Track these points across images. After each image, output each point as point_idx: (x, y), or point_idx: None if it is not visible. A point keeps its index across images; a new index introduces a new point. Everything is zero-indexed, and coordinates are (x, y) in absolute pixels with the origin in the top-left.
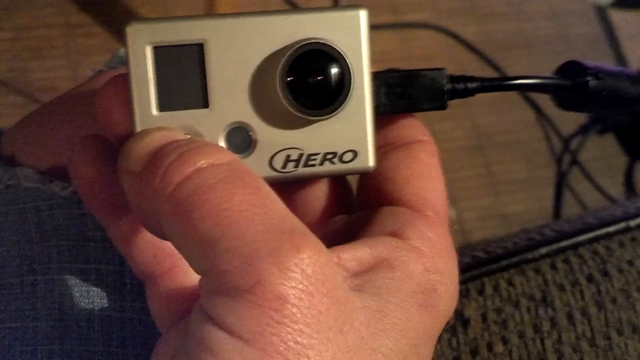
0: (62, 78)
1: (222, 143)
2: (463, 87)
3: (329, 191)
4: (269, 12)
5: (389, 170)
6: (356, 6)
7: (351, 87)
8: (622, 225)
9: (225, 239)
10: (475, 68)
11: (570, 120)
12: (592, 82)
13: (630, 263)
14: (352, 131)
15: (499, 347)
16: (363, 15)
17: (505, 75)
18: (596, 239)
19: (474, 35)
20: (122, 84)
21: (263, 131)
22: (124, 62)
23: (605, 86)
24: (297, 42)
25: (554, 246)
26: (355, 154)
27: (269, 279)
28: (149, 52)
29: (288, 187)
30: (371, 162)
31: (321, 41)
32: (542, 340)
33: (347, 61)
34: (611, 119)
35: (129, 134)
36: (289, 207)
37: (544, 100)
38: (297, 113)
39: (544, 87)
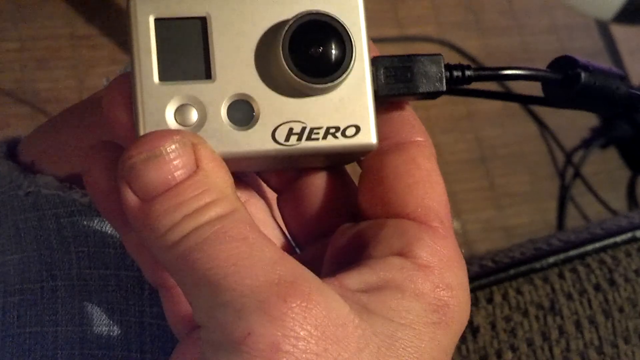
0: (68, 89)
1: (224, 115)
2: (460, 73)
3: (332, 192)
4: None
5: (389, 177)
6: None
7: (353, 56)
8: (629, 235)
9: (216, 294)
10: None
11: (573, 134)
12: (582, 75)
13: (637, 272)
14: (354, 106)
15: (508, 355)
16: None
17: (501, 69)
18: (603, 249)
19: (477, 49)
20: (125, 85)
21: (266, 103)
22: None
23: (596, 81)
24: (301, 13)
25: (562, 256)
26: (357, 129)
27: (259, 330)
28: (151, 24)
29: (291, 191)
30: (374, 138)
31: (323, 12)
32: (550, 348)
33: (348, 32)
34: (614, 133)
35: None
36: (292, 211)
37: (547, 114)
38: (299, 80)
39: (535, 77)
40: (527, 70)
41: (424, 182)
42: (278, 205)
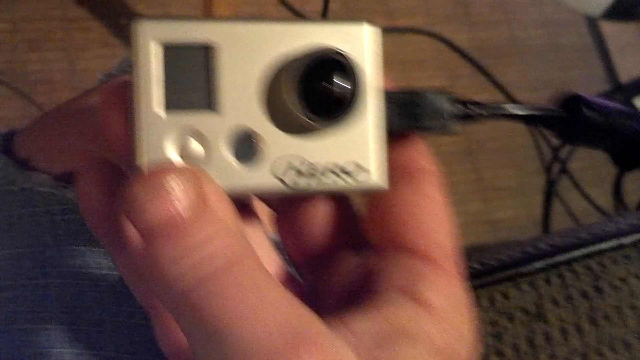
0: (59, 71)
1: (226, 148)
2: (469, 111)
3: (335, 216)
4: (280, 20)
5: (397, 208)
6: (359, 19)
7: (362, 95)
8: (616, 242)
9: (224, 343)
10: (466, 74)
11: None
12: (588, 113)
13: (623, 280)
14: (363, 145)
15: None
16: (366, 29)
17: (514, 106)
18: (590, 255)
19: (466, 41)
20: (122, 94)
21: (270, 139)
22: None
23: (605, 120)
24: (312, 50)
25: (549, 260)
26: (365, 170)
27: None
28: (155, 50)
29: (290, 212)
30: (382, 180)
31: (336, 49)
32: (535, 354)
33: (358, 70)
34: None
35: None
36: (292, 233)
37: None
38: (307, 120)
39: (546, 118)
40: (540, 111)
41: (433, 216)
42: (276, 225)
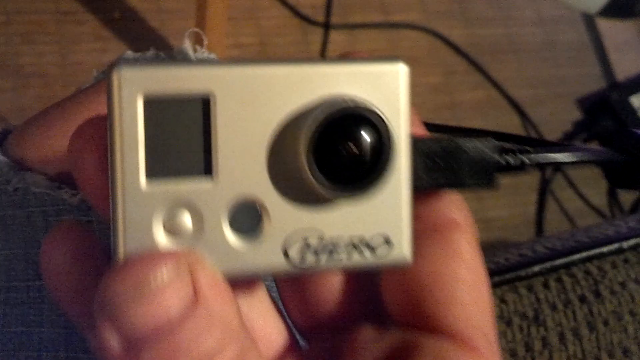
0: (52, 64)
1: (224, 222)
2: (515, 161)
3: (349, 285)
4: (289, 60)
5: (425, 275)
6: (393, 58)
7: (391, 159)
8: (616, 246)
9: None
10: (462, 71)
11: (555, 127)
12: None
13: (623, 285)
14: (386, 214)
15: None
16: (402, 70)
17: (561, 149)
18: (589, 259)
19: (462, 38)
20: (97, 132)
21: (278, 210)
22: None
23: None
24: (327, 101)
25: (547, 264)
26: (389, 242)
27: None
28: (140, 105)
29: (298, 281)
30: (408, 253)
31: (357, 102)
32: (533, 359)
33: (388, 127)
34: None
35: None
36: (297, 299)
37: (530, 106)
38: (323, 190)
39: (601, 162)
40: (593, 154)
41: (469, 287)
42: (279, 289)
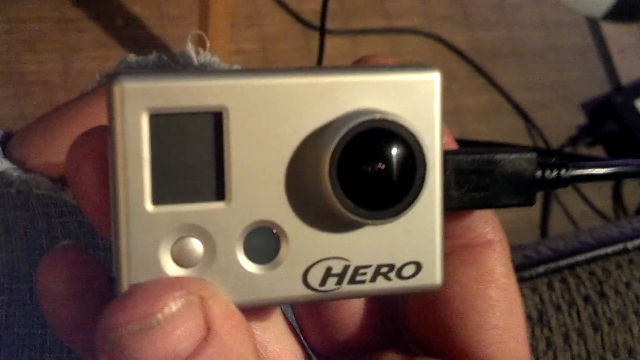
0: (55, 72)
1: (238, 248)
2: (555, 175)
3: (372, 310)
4: (309, 70)
5: (455, 299)
6: (426, 67)
7: (425, 180)
8: (620, 246)
9: None
10: (464, 75)
11: (560, 132)
12: None
13: (628, 285)
14: (416, 237)
15: None
16: (437, 80)
17: (603, 164)
18: (593, 260)
19: (465, 42)
20: (95, 144)
21: (297, 234)
22: (132, 68)
23: None
24: (352, 115)
25: (551, 265)
26: (418, 267)
27: None
28: (144, 122)
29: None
30: (438, 278)
31: (386, 116)
32: None
33: (421, 144)
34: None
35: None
36: (314, 322)
37: (534, 111)
38: (349, 215)
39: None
40: (632, 167)
41: (502, 308)
42: (295, 311)
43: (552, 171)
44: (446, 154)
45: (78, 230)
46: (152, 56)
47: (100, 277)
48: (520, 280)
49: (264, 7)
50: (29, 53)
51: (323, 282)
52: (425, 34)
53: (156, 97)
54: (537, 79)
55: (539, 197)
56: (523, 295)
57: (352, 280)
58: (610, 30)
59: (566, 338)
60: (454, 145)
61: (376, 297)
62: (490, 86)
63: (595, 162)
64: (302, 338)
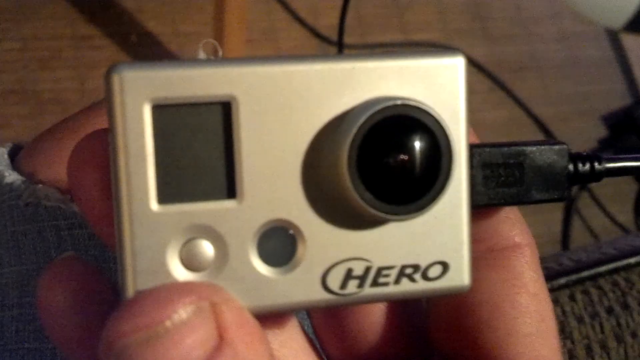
0: (70, 90)
1: (251, 250)
2: (588, 168)
3: (393, 319)
4: (324, 57)
5: (482, 306)
6: (451, 50)
7: (451, 172)
8: None
9: None
10: (484, 89)
11: (580, 145)
12: None
13: None
14: (442, 235)
15: None
16: (461, 64)
17: (637, 154)
18: (616, 270)
19: (484, 56)
20: (96, 146)
21: (314, 234)
22: None
23: None
24: (372, 102)
25: (573, 276)
26: (445, 267)
27: None
28: (147, 114)
29: (335, 315)
30: (466, 279)
31: (408, 103)
32: None
33: (447, 133)
34: (622, 144)
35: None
36: (334, 337)
37: (554, 124)
38: (370, 210)
39: None
40: None
41: (532, 314)
42: (313, 323)
43: (584, 164)
44: (471, 147)
45: (88, 243)
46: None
47: (104, 289)
48: None
49: (280, 22)
50: (44, 71)
51: (344, 285)
52: (444, 48)
53: (159, 87)
54: (557, 92)
55: (560, 212)
56: None
57: (374, 283)
58: (630, 41)
59: (589, 350)
60: (476, 141)
61: (401, 301)
62: (509, 100)
63: (629, 155)
64: (321, 352)
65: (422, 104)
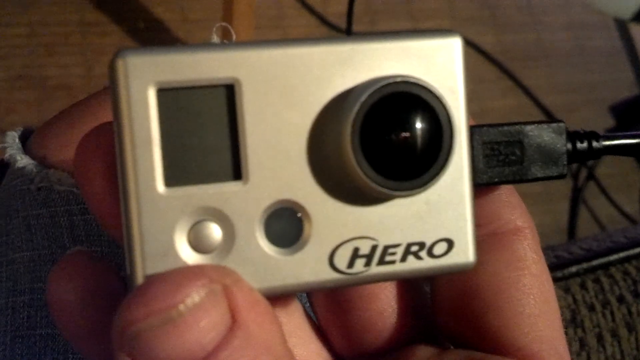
0: (77, 76)
1: (258, 231)
2: (586, 146)
3: (399, 304)
4: (326, 39)
5: (486, 289)
6: (447, 32)
7: (452, 147)
8: None
9: None
10: (492, 78)
11: None
12: None
13: None
14: (446, 212)
15: None
16: (458, 44)
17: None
18: (627, 259)
19: (492, 44)
20: (102, 140)
21: (321, 214)
22: None
23: None
24: (373, 82)
25: (584, 265)
26: (450, 244)
27: None
28: (152, 98)
29: (337, 298)
30: (471, 255)
31: (409, 80)
32: None
33: (447, 108)
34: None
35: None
36: (336, 320)
37: (562, 114)
38: (373, 186)
39: None
40: None
41: (535, 295)
42: (317, 314)
43: (582, 141)
44: (472, 127)
45: (100, 228)
46: None
47: (114, 282)
48: (553, 280)
49: (288, 9)
50: (51, 57)
51: (351, 265)
52: None
53: (163, 71)
54: (565, 81)
55: (567, 201)
56: (556, 296)
57: (381, 261)
58: (639, 31)
59: (600, 339)
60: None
61: (408, 279)
62: (517, 89)
63: (627, 133)
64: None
65: (422, 80)
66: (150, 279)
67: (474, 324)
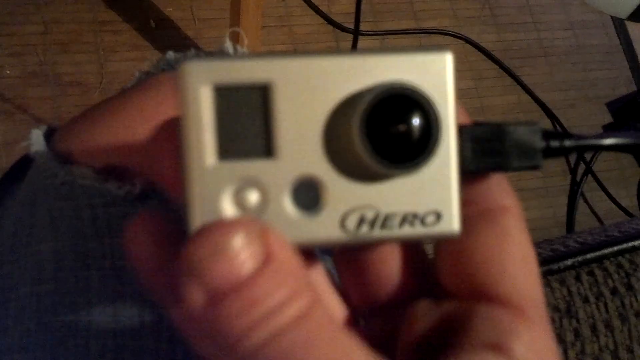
0: (90, 73)
1: (287, 198)
2: (558, 145)
3: (404, 263)
4: (341, 52)
5: (478, 253)
6: (440, 47)
7: (438, 138)
8: None
9: None
10: (492, 76)
11: (585, 131)
12: None
13: None
14: (435, 190)
15: None
16: (449, 59)
17: (604, 137)
18: (621, 253)
19: (493, 43)
20: (173, 131)
21: (335, 186)
22: (172, 65)
23: None
24: (379, 85)
25: (579, 258)
26: (438, 216)
27: None
28: (207, 93)
29: (354, 258)
30: (456, 225)
31: (406, 85)
32: (565, 350)
33: (434, 109)
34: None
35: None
36: (354, 277)
37: (560, 110)
38: (376, 166)
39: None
40: (632, 138)
41: (519, 261)
42: (337, 268)
43: (555, 140)
44: (462, 126)
45: (123, 220)
46: (191, 53)
47: (175, 233)
48: (549, 273)
49: (294, 9)
50: (64, 54)
51: (358, 227)
52: (454, 35)
53: (218, 74)
54: (564, 78)
55: (565, 196)
56: (551, 288)
57: (382, 226)
58: (637, 30)
59: (594, 329)
60: (468, 122)
61: (405, 242)
62: (517, 86)
63: (598, 134)
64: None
65: (416, 86)
66: (207, 225)
67: (467, 280)
